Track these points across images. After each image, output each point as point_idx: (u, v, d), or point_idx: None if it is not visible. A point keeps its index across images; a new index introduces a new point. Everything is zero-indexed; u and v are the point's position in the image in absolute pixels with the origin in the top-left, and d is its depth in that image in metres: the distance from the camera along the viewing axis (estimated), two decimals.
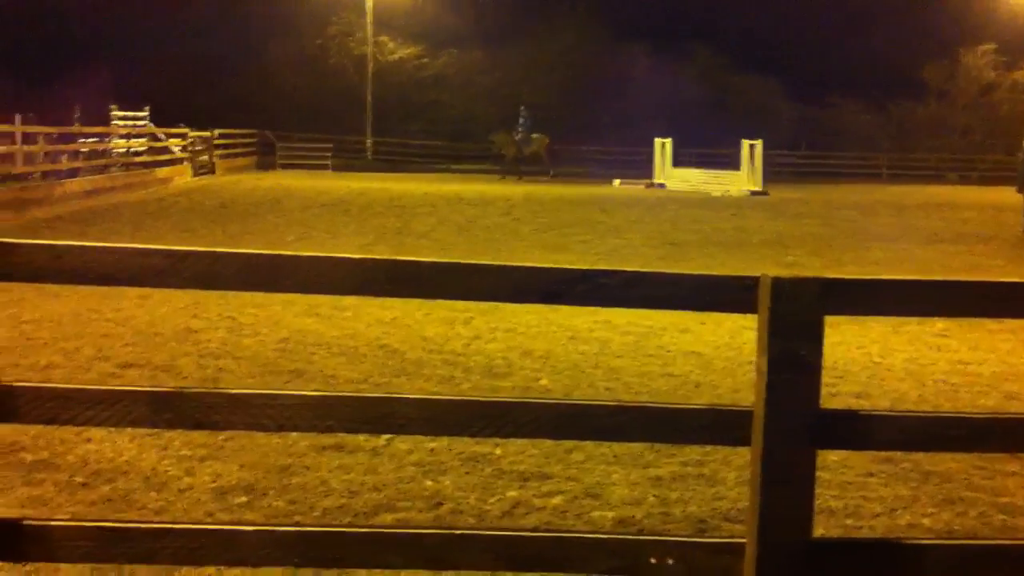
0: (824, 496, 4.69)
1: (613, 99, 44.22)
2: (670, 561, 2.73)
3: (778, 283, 2.62)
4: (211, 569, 3.64)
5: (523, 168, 36.00)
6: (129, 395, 2.71)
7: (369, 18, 44.65)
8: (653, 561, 2.74)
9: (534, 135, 36.91)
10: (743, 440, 2.79)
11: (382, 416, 2.80)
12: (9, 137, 20.62)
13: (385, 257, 2.77)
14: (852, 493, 4.88)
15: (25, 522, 2.74)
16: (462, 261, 2.73)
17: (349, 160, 40.76)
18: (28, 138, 21.46)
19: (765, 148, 30.64)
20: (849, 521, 4.57)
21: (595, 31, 46.98)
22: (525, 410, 2.72)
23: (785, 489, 2.66)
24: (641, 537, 3.04)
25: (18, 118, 20.93)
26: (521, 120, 36.43)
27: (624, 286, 2.67)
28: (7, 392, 2.72)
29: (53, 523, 2.81)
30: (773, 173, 33.99)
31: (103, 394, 2.70)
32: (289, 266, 2.76)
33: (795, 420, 2.65)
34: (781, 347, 2.60)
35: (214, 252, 2.77)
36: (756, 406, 2.72)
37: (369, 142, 43.92)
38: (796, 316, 2.61)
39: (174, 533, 2.72)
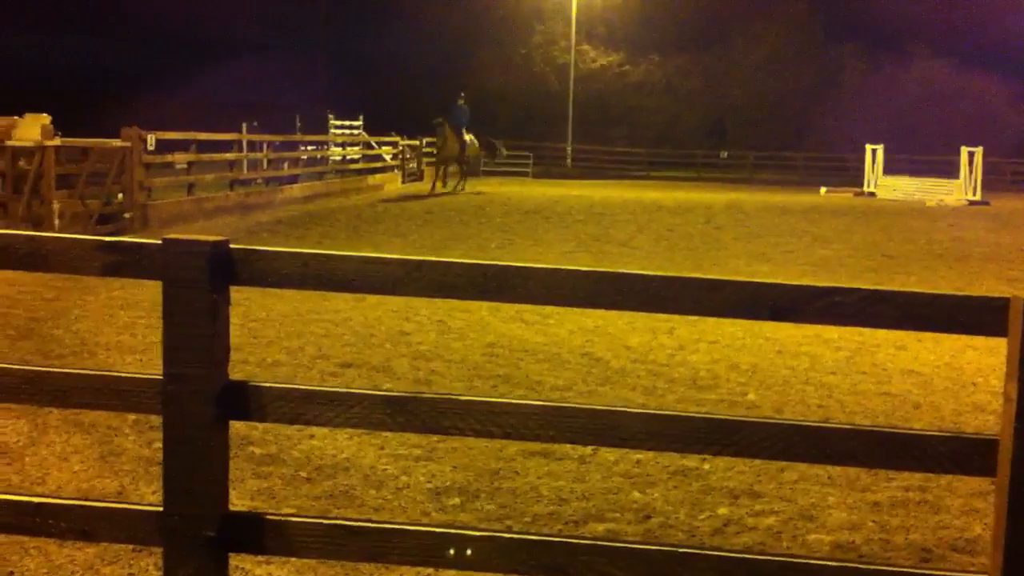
0: None
1: (821, 103, 42.86)
2: None
3: None
4: (428, 570, 3.75)
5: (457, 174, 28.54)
6: (368, 398, 2.82)
7: (573, 27, 45.01)
8: None
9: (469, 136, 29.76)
10: (986, 470, 2.63)
11: (606, 428, 2.80)
12: (236, 145, 21.94)
13: (611, 270, 2.77)
14: None
15: (267, 516, 2.90)
16: (690, 275, 2.70)
17: (548, 167, 41.22)
18: (253, 146, 22.82)
19: (986, 155, 28.96)
20: None
21: (803, 33, 45.67)
22: (754, 429, 2.66)
23: None
24: (869, 566, 2.92)
25: (244, 127, 22.26)
26: (459, 110, 28.35)
27: (861, 304, 2.57)
28: (255, 391, 2.88)
29: (292, 519, 2.96)
30: (995, 182, 32.08)
31: (343, 396, 2.83)
32: (519, 277, 2.80)
33: None
34: None
35: (447, 262, 2.84)
36: (1003, 435, 2.56)
37: (569, 149, 44.27)
38: None
39: (403, 533, 2.81)
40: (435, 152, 28.51)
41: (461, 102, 28.52)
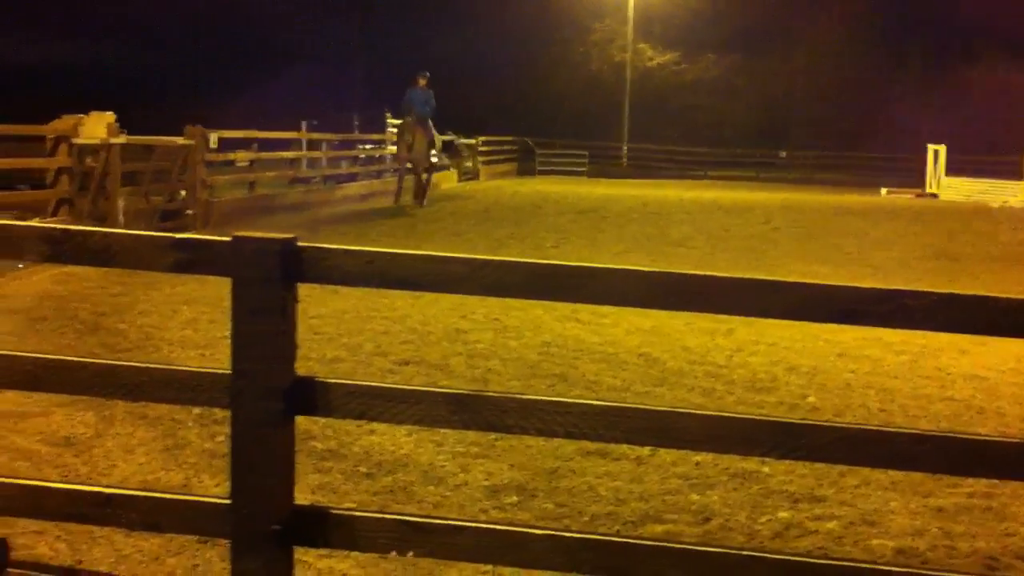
0: None
1: (883, 102, 42.20)
2: None
3: None
4: (486, 567, 3.77)
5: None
6: (431, 395, 2.86)
7: (630, 25, 44.87)
8: None
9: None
10: None
11: (666, 430, 2.80)
12: (296, 143, 22.20)
13: (672, 271, 2.77)
14: None
15: (333, 511, 2.94)
16: (756, 277, 2.69)
17: (604, 166, 41.12)
18: (312, 144, 23.09)
19: None
20: None
21: (866, 31, 45.03)
22: (819, 433, 2.64)
23: None
24: (934, 573, 2.89)
25: (304, 125, 22.51)
26: (420, 95, 20.88)
27: (932, 308, 2.55)
28: (321, 387, 2.93)
29: (358, 513, 3.00)
30: None
31: (408, 393, 2.86)
32: (581, 277, 2.81)
33: None
34: None
35: (510, 261, 2.87)
36: None
37: (624, 148, 44.14)
38: None
39: (468, 531, 2.83)
40: (397, 155, 21.74)
41: (423, 83, 20.88)
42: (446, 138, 26.18)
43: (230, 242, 2.94)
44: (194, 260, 3.04)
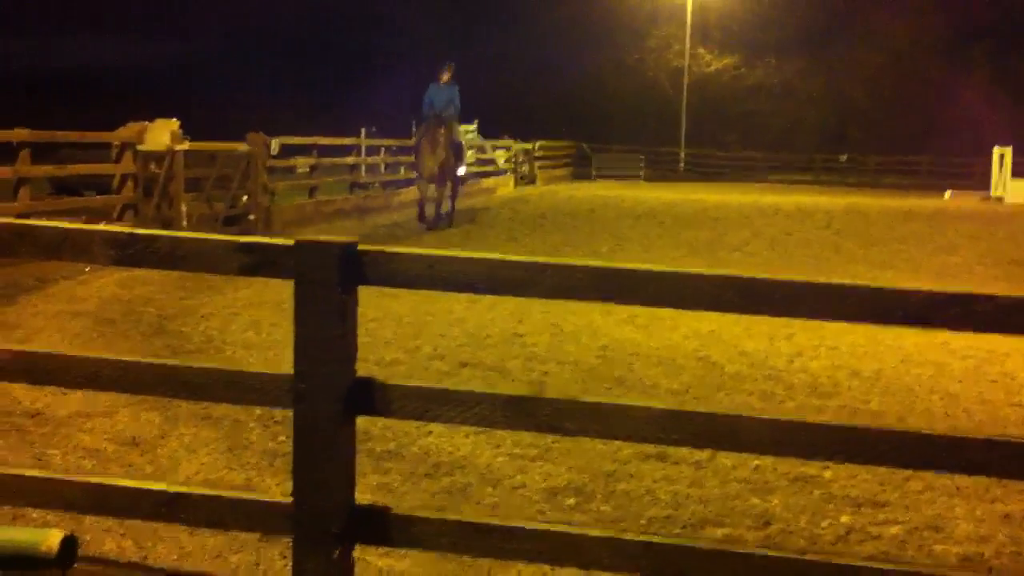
0: None
1: (948, 105, 41.43)
2: None
3: None
4: (544, 568, 3.77)
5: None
6: (488, 398, 2.87)
7: (688, 31, 44.61)
8: None
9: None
10: None
11: (730, 433, 2.78)
12: (355, 149, 22.41)
13: (739, 274, 2.75)
14: None
15: (394, 511, 2.97)
16: (824, 281, 2.66)
17: (662, 171, 40.94)
18: (371, 150, 23.30)
19: None
20: None
21: (930, 32, 44.27)
22: (882, 438, 2.60)
23: None
24: None
25: (363, 131, 22.72)
26: (444, 92, 17.18)
27: (1001, 312, 2.50)
28: (381, 388, 2.96)
29: (416, 514, 3.02)
30: None
31: (465, 395, 2.88)
32: (642, 279, 2.81)
33: None
34: None
35: (570, 265, 2.87)
36: None
37: (682, 153, 43.89)
38: None
39: (525, 532, 2.84)
40: (417, 164, 17.66)
41: (446, 78, 17.20)
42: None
43: (293, 246, 2.99)
44: (259, 263, 3.08)
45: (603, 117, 44.79)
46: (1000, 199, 28.84)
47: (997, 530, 4.49)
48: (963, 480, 4.96)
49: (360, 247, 2.96)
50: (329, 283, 2.91)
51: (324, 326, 2.94)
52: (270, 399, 3.18)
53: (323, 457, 2.96)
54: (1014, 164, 29.96)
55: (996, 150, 30.23)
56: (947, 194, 31.27)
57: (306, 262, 2.94)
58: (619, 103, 46.11)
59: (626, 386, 6.87)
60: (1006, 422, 6.19)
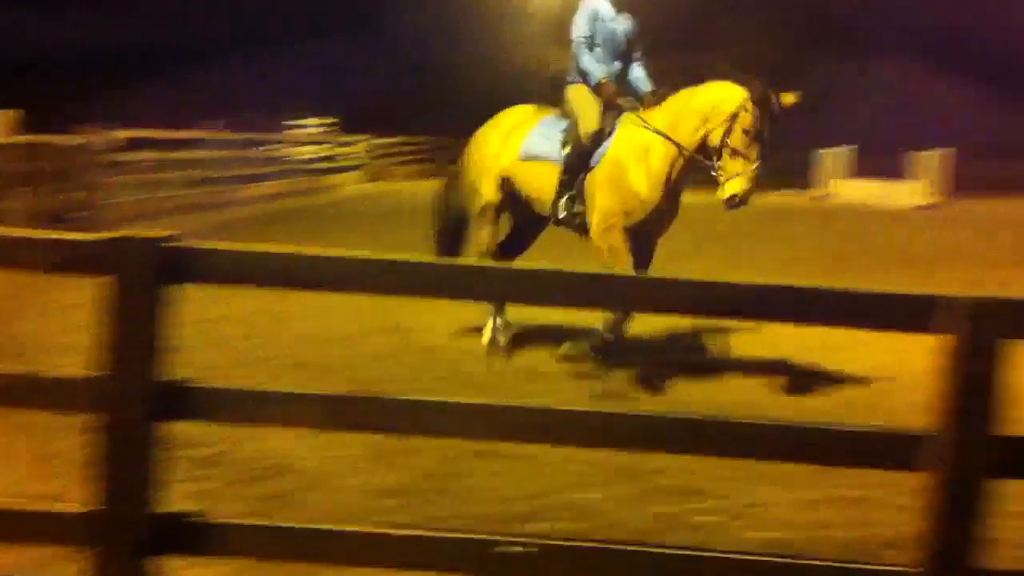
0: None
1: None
2: None
3: None
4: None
5: None
6: (307, 397, 2.84)
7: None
8: None
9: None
10: None
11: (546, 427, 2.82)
12: (203, 143, 21.93)
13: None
14: None
15: (198, 518, 2.90)
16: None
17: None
18: (221, 144, 22.88)
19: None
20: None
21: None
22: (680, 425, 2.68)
23: None
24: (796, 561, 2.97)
25: (211, 124, 22.24)
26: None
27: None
28: (189, 391, 2.88)
29: (225, 520, 2.96)
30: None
31: (284, 396, 2.84)
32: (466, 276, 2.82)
33: None
34: None
35: (392, 260, 2.85)
36: None
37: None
38: None
39: (341, 536, 2.82)
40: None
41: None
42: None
43: (106, 241, 2.87)
44: (70, 260, 2.96)
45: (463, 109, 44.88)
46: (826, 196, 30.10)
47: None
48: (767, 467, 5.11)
49: (175, 243, 2.87)
50: (142, 280, 2.81)
51: (132, 325, 2.84)
52: (75, 403, 3.06)
53: (130, 463, 2.87)
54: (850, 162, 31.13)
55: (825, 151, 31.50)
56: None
57: (119, 258, 2.83)
58: (474, 97, 46.34)
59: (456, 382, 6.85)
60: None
